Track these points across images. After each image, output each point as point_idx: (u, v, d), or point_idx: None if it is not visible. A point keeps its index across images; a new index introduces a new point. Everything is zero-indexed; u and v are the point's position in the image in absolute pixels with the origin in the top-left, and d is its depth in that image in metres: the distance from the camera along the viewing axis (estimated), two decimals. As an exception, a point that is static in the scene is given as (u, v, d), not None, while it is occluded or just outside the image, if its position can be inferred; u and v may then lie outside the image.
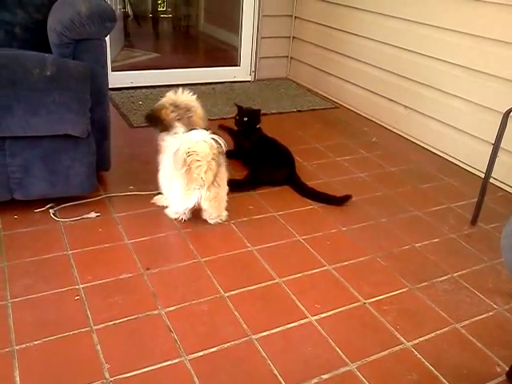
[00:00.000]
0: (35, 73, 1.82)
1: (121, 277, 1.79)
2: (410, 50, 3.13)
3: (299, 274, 1.88)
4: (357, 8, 3.50)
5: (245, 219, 2.20)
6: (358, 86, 3.62)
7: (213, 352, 1.51)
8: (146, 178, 2.47)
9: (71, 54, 1.98)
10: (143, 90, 3.70)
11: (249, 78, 4.18)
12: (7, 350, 1.46)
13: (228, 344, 1.54)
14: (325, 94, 3.94)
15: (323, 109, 3.69)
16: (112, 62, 3.63)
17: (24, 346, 1.47)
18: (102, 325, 1.57)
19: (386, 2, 3.25)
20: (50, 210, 2.09)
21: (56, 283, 1.72)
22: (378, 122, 3.45)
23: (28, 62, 1.86)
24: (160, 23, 6.42)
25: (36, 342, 1.49)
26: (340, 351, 1.54)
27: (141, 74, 3.87)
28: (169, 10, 6.60)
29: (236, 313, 1.67)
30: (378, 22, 3.34)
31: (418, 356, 1.55)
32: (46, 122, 1.85)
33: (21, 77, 1.81)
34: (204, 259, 1.92)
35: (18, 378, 1.37)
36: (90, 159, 2.04)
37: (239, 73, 4.16)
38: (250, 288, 1.79)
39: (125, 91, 3.61)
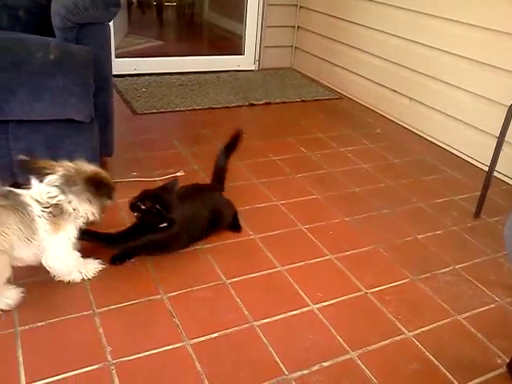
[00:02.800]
0: (39, 56, 1.81)
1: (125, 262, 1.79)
2: (415, 42, 3.11)
3: (302, 263, 1.88)
4: (362, -2, 3.48)
5: (247, 207, 2.20)
6: (362, 76, 3.60)
7: (214, 337, 1.51)
8: (149, 164, 2.48)
9: (75, 39, 1.96)
10: (147, 77, 3.68)
11: (253, 67, 4.16)
12: (11, 330, 1.47)
13: (229, 330, 1.54)
14: (329, 85, 3.92)
15: (327, 99, 3.68)
16: (116, 48, 3.61)
17: (27, 327, 1.48)
18: (105, 308, 1.58)
19: (392, -7, 3.23)
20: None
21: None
22: (382, 114, 3.43)
23: (31, 46, 1.84)
24: (164, 11, 6.37)
25: (39, 324, 1.50)
26: (341, 339, 1.55)
27: (144, 61, 3.85)
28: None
29: (238, 299, 1.67)
30: (384, 13, 3.31)
31: (419, 346, 1.55)
32: (49, 106, 1.84)
33: (24, 60, 1.80)
34: (206, 246, 1.92)
35: (21, 359, 1.38)
36: (93, 144, 2.04)
37: (243, 62, 4.14)
38: (252, 275, 1.79)
39: (128, 78, 3.59)
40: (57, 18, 1.93)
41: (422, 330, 1.61)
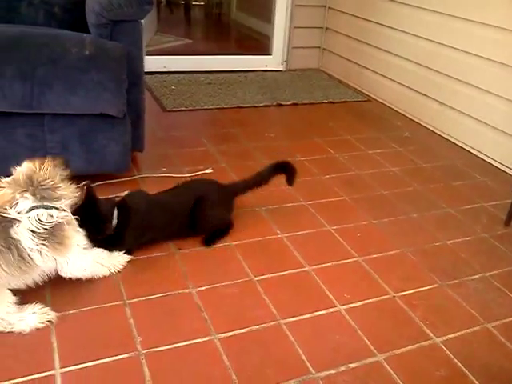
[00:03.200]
0: (74, 52, 1.85)
1: (153, 255, 1.81)
2: (446, 45, 3.08)
3: (329, 264, 1.88)
4: (393, 0, 3.45)
5: (275, 206, 2.20)
6: (391, 79, 3.57)
7: (242, 333, 1.52)
8: (178, 160, 2.50)
9: (108, 35, 2.00)
10: (176, 75, 3.71)
11: (280, 68, 4.17)
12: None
13: (257, 326, 1.55)
14: (357, 87, 3.90)
15: (355, 101, 3.66)
16: (145, 46, 3.65)
17: (60, 314, 1.51)
18: (135, 299, 1.60)
19: (424, -5, 3.21)
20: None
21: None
22: (411, 117, 3.40)
23: (67, 42, 1.88)
24: (192, 10, 6.43)
25: (71, 312, 1.53)
26: (368, 341, 1.54)
27: (173, 59, 3.89)
28: (200, -4, 6.60)
29: (265, 297, 1.67)
30: (415, 16, 3.29)
31: (447, 352, 1.53)
32: (83, 100, 1.88)
33: (60, 55, 1.84)
34: (234, 243, 1.93)
35: (55, 344, 1.42)
36: (126, 139, 2.07)
37: (271, 62, 4.14)
38: (279, 274, 1.79)
39: (157, 75, 3.63)
40: (92, 14, 1.96)
41: (450, 336, 1.59)
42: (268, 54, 4.17)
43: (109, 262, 1.69)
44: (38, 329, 1.45)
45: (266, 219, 2.11)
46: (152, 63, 3.62)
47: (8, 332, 1.43)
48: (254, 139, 2.87)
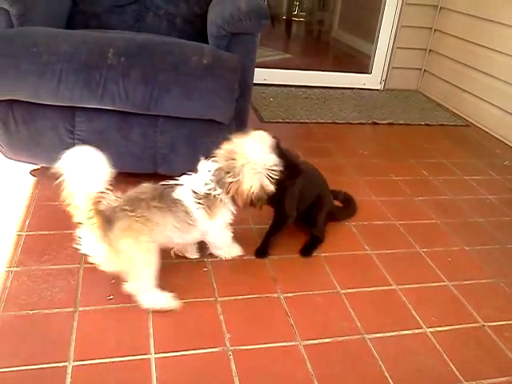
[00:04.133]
0: (194, 60, 1.98)
1: (245, 257, 1.90)
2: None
3: (417, 285, 1.87)
4: (505, 24, 3.34)
5: (365, 223, 2.22)
6: (493, 104, 3.46)
7: (327, 342, 1.56)
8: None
9: (225, 47, 2.12)
10: (275, 88, 3.83)
11: (378, 87, 4.17)
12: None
13: (341, 338, 1.58)
14: (456, 111, 3.81)
15: (453, 125, 3.58)
16: (250, 58, 3.80)
17: (158, 303, 1.63)
18: (226, 298, 1.69)
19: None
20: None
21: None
22: (513, 146, 3.28)
23: (188, 50, 2.03)
24: (293, 26, 6.56)
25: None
26: (453, 367, 1.52)
27: (273, 72, 4.01)
28: (301, 13, 6.72)
29: (351, 310, 1.70)
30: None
31: (539, 389, 1.48)
32: (197, 105, 2.01)
33: (181, 63, 1.98)
34: (323, 254, 1.97)
35: (151, 330, 1.53)
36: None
37: (369, 80, 4.15)
38: (366, 289, 1.81)
39: (257, 87, 3.76)
40: (213, 26, 2.10)
41: (542, 373, 1.54)
42: (367, 72, 4.19)
43: (230, 248, 1.87)
44: (137, 316, 1.58)
45: (356, 234, 2.14)
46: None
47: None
48: (347, 155, 2.90)
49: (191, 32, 2.52)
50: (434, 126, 3.52)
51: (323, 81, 4.05)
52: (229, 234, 1.80)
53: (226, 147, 1.68)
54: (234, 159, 1.64)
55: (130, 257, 1.51)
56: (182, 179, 1.69)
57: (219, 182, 1.65)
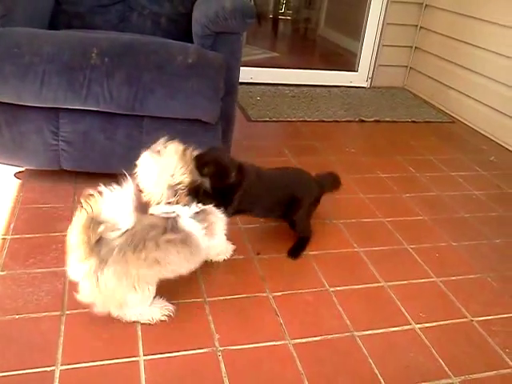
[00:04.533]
0: (178, 59, 1.97)
1: (233, 257, 1.89)
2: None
3: (405, 281, 1.87)
4: (488, 21, 3.37)
5: (353, 220, 2.22)
6: (479, 101, 3.48)
7: (316, 341, 1.56)
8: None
9: (210, 46, 2.11)
10: (262, 87, 3.83)
11: (365, 85, 4.18)
12: (131, 306, 1.60)
13: (331, 336, 1.58)
14: (442, 108, 3.84)
15: (439, 122, 3.60)
16: (235, 57, 3.79)
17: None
18: (215, 298, 1.68)
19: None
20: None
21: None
22: (498, 141, 3.30)
23: (173, 50, 2.02)
24: (279, 24, 6.57)
25: (156, 304, 1.62)
26: (443, 363, 1.53)
27: (260, 71, 4.00)
28: (288, 12, 6.73)
29: (340, 308, 1.70)
30: (507, 36, 3.20)
31: (528, 383, 1.49)
32: (182, 105, 2.00)
33: (166, 62, 1.97)
34: (311, 253, 1.97)
35: (139, 333, 1.52)
36: (215, 145, 2.17)
37: (356, 78, 4.16)
38: (354, 287, 1.81)
39: (244, 86, 3.75)
40: (198, 26, 2.09)
41: (531, 366, 1.55)
42: (353, 70, 4.20)
43: (225, 249, 1.86)
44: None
45: (343, 232, 2.14)
46: (239, 74, 3.74)
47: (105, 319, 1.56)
48: (334, 153, 2.90)
49: (176, 31, 2.51)
50: (420, 122, 3.54)
51: (310, 79, 4.05)
52: (224, 239, 1.77)
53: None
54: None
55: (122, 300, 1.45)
56: (174, 209, 1.56)
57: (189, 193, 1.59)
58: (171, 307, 1.59)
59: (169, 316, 1.57)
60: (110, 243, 1.38)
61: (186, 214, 1.56)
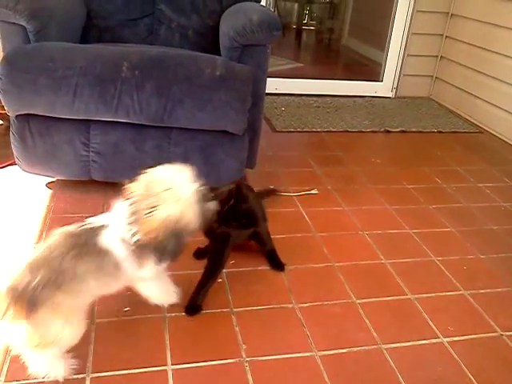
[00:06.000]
0: (207, 72, 2.00)
1: (259, 268, 1.90)
2: None
3: (432, 294, 1.86)
4: (515, 30, 3.34)
5: (379, 232, 2.21)
6: (507, 111, 3.44)
7: (343, 353, 1.55)
8: (286, 179, 2.60)
9: (238, 58, 2.14)
10: (286, 97, 3.85)
11: (390, 95, 4.16)
12: (160, 315, 1.63)
13: (357, 348, 1.58)
14: (468, 118, 3.80)
15: (466, 132, 3.56)
16: (260, 68, 3.82)
17: (174, 314, 1.64)
18: (241, 309, 1.69)
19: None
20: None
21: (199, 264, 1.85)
22: (527, 152, 3.26)
23: (201, 62, 2.05)
24: (303, 34, 6.60)
25: (183, 314, 1.65)
26: (472, 378, 1.51)
27: (284, 81, 4.02)
28: (311, 22, 6.75)
29: (366, 320, 1.69)
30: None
31: (559, 400, 1.46)
32: (209, 117, 2.02)
33: (194, 75, 2.00)
34: (337, 264, 1.97)
35: (167, 342, 1.54)
36: (242, 156, 2.19)
37: (380, 88, 4.15)
38: (381, 299, 1.81)
39: (269, 97, 3.77)
40: (225, 38, 2.12)
41: (563, 384, 1.52)
42: (378, 80, 4.19)
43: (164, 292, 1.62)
44: (153, 327, 1.58)
45: (370, 244, 2.13)
46: (265, 85, 3.77)
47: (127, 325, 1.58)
48: (359, 164, 2.90)
49: (204, 44, 2.54)
50: (446, 133, 3.51)
51: (334, 89, 4.06)
52: (164, 281, 1.58)
53: (143, 178, 1.38)
54: (151, 189, 1.34)
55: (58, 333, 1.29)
56: (103, 219, 1.39)
57: (136, 217, 1.33)
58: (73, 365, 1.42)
59: (196, 325, 1.59)
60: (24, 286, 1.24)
61: (117, 235, 1.35)
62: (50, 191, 2.30)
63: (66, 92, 1.94)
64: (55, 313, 1.27)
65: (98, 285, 1.38)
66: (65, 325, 1.29)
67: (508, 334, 1.69)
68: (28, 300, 1.22)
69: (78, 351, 1.45)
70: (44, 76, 1.93)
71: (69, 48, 2.06)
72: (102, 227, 1.36)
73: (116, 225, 1.36)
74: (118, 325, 1.58)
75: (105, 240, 1.35)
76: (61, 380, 1.38)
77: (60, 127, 2.07)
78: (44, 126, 2.07)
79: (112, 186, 2.26)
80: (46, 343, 1.28)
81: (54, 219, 2.09)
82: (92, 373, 1.41)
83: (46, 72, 1.93)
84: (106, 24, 2.55)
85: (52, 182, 2.35)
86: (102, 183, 2.26)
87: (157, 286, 1.55)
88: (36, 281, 1.23)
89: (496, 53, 3.52)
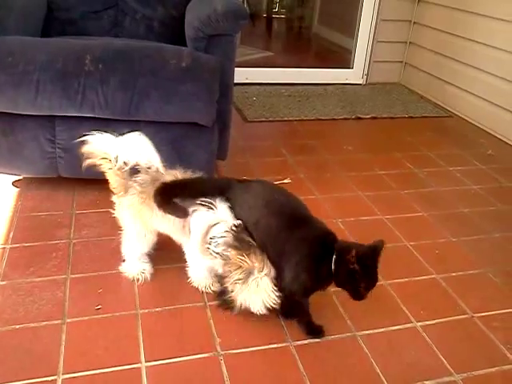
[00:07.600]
0: (172, 63, 1.97)
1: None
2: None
3: (405, 279, 1.87)
4: (481, 15, 3.37)
5: (352, 219, 2.22)
6: (475, 95, 3.48)
7: (317, 342, 1.56)
8: (258, 170, 2.59)
9: (204, 48, 2.11)
10: (257, 87, 3.83)
11: (360, 81, 4.17)
12: (133, 312, 1.61)
13: (332, 337, 1.58)
14: (438, 102, 3.83)
15: (436, 117, 3.60)
16: (230, 58, 3.78)
17: (147, 310, 1.62)
18: (216, 302, 1.68)
19: (516, 10, 3.11)
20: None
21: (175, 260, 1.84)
22: (496, 135, 3.30)
23: (167, 54, 2.01)
24: (273, 23, 6.55)
25: (158, 309, 1.63)
26: (445, 360, 1.53)
27: (255, 71, 4.00)
28: (281, 11, 6.72)
29: (341, 309, 1.70)
30: (504, 30, 3.19)
31: (530, 379, 1.49)
32: (177, 109, 1.99)
33: (160, 66, 1.96)
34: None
35: (141, 339, 1.52)
36: (212, 147, 2.17)
37: (351, 75, 4.16)
38: (355, 286, 1.81)
39: (239, 87, 3.74)
40: (190, 29, 2.09)
41: (533, 362, 1.55)
42: (348, 67, 4.19)
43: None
44: (125, 322, 1.57)
45: (343, 231, 2.13)
46: (235, 75, 3.73)
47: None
48: (332, 151, 2.90)
49: (169, 35, 2.50)
50: (417, 118, 3.54)
51: (305, 78, 4.05)
52: (200, 265, 1.72)
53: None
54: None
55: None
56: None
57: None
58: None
59: (170, 320, 1.58)
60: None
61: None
62: (17, 190, 2.25)
63: (27, 88, 1.88)
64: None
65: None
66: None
67: (478, 315, 1.72)
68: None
69: (48, 351, 1.43)
70: (3, 72, 1.87)
71: (28, 42, 2.00)
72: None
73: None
74: (90, 323, 1.55)
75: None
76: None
77: (24, 124, 2.01)
78: (7, 123, 2.01)
79: (81, 183, 2.23)
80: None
81: (22, 218, 2.04)
82: (64, 374, 1.38)
83: (5, 68, 1.87)
84: (69, 16, 2.49)
85: (19, 180, 2.29)
86: (70, 180, 2.21)
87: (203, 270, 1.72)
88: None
89: (463, 38, 3.55)
